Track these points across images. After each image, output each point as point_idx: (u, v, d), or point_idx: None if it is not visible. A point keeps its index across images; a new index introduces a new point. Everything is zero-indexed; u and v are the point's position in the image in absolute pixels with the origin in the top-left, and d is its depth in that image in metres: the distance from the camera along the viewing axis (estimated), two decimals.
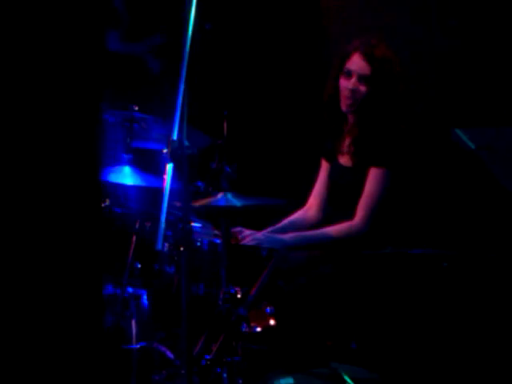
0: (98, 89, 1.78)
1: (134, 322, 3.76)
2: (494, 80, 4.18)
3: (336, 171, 3.87)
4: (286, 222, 3.97)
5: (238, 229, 3.76)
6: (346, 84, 3.68)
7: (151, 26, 4.78)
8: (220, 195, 3.57)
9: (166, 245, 3.68)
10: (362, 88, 3.66)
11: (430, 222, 4.23)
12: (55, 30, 1.72)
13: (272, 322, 3.42)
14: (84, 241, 1.79)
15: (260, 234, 3.75)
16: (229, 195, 3.56)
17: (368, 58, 3.66)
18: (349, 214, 3.69)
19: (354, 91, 3.67)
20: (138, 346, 3.71)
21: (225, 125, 3.69)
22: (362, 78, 3.66)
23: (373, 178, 3.65)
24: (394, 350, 3.45)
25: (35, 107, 1.71)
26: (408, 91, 3.74)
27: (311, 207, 3.99)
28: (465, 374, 3.49)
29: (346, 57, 3.71)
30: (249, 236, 3.70)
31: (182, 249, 2.86)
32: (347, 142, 3.81)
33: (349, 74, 3.69)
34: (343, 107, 3.71)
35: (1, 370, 1.71)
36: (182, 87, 2.80)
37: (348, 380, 3.07)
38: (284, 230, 3.87)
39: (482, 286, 3.45)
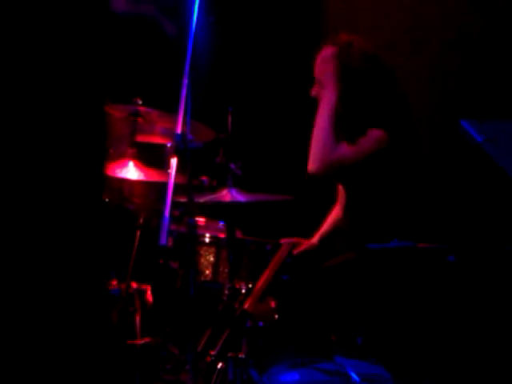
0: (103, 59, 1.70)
1: (138, 318, 3.75)
2: (503, 72, 4.17)
3: None
4: (329, 223, 3.93)
5: (295, 240, 3.75)
6: None
7: None
8: (225, 191, 3.57)
9: (171, 240, 3.68)
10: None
11: (437, 215, 4.21)
12: None
13: (276, 316, 3.41)
14: (85, 236, 1.77)
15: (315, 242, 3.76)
16: (233, 191, 3.56)
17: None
18: (359, 195, 3.61)
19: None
20: (143, 342, 3.70)
21: (229, 120, 3.69)
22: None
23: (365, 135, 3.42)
24: (401, 344, 3.44)
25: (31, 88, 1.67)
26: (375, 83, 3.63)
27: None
28: (472, 369, 3.48)
29: None
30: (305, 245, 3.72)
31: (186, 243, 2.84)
32: None
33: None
34: None
35: (4, 367, 1.69)
36: (186, 81, 2.78)
37: (353, 375, 3.06)
38: (333, 232, 3.84)
39: (490, 281, 3.44)
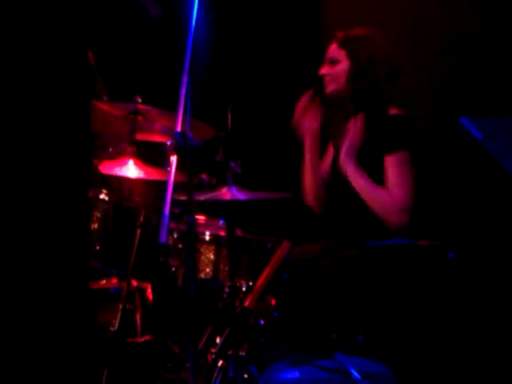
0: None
1: (138, 316, 3.75)
2: (503, 72, 4.17)
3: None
4: None
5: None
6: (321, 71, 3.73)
7: None
8: (225, 189, 3.56)
9: (171, 238, 3.68)
10: (333, 69, 3.68)
11: (437, 212, 4.21)
12: None
13: (276, 313, 3.41)
14: (68, 231, 1.75)
15: None
16: (233, 189, 3.56)
17: (338, 40, 3.69)
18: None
19: (325, 75, 3.70)
20: (143, 340, 3.70)
21: (229, 118, 3.68)
22: (332, 61, 3.69)
23: (391, 166, 3.54)
24: (401, 341, 3.44)
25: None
26: (394, 76, 3.70)
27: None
28: (472, 366, 3.48)
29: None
30: None
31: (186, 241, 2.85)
32: None
33: (324, 62, 3.73)
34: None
35: None
36: (185, 79, 2.78)
37: (354, 373, 3.06)
38: None
39: (490, 277, 3.43)
